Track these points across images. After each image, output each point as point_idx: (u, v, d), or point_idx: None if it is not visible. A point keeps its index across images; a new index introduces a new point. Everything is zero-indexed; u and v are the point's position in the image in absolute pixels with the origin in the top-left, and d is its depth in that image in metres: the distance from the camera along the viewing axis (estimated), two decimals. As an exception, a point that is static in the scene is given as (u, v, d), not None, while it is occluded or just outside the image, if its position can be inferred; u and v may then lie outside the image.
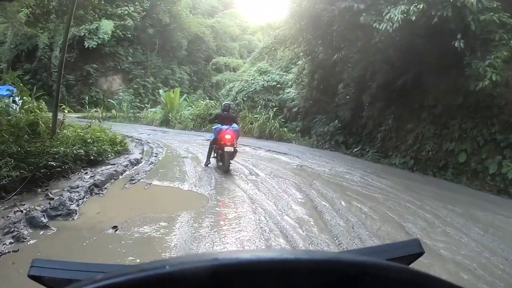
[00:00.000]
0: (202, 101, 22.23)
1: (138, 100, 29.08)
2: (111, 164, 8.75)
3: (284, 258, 0.52)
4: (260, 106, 18.39)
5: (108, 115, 25.11)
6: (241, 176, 8.47)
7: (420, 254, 0.78)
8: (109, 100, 28.26)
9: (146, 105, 26.70)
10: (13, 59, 30.43)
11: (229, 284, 0.50)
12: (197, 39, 36.55)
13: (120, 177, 7.91)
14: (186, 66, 36.77)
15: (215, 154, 9.44)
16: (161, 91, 26.44)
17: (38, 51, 29.43)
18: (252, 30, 40.66)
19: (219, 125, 9.20)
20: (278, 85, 19.04)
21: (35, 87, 29.14)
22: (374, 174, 9.14)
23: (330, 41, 11.99)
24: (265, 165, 10.02)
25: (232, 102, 14.48)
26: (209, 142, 10.06)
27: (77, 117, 17.20)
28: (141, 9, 31.81)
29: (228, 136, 8.67)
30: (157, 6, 32.93)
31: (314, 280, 0.51)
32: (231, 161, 8.94)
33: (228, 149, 8.58)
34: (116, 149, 10.17)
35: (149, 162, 9.76)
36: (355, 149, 12.77)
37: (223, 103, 10.71)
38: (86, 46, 29.09)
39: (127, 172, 8.41)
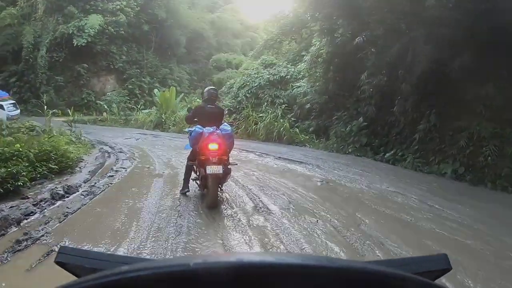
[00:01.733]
0: (198, 100, 19.30)
1: (133, 102, 26.55)
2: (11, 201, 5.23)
3: (308, 264, 0.52)
4: (266, 104, 15.82)
5: (99, 118, 22.87)
6: (239, 219, 4.97)
7: (447, 270, 0.76)
8: (99, 101, 25.94)
9: (138, 106, 24.08)
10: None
11: (251, 285, 0.50)
12: (197, 36, 34.46)
13: (10, 231, 4.39)
14: (186, 65, 34.56)
15: (197, 174, 5.91)
16: (156, 90, 24.17)
17: (23, 50, 27.17)
18: (255, 27, 38.92)
19: (198, 126, 5.73)
20: (288, 77, 16.38)
21: (22, 89, 27.96)
22: (434, 194, 6.57)
23: (355, 14, 9.43)
24: (277, 183, 7.15)
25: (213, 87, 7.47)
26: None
27: (63, 121, 15.46)
28: (135, 3, 29.65)
29: (213, 146, 5.33)
30: (152, 1, 30.81)
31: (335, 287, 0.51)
32: (221, 187, 5.70)
33: (213, 169, 5.23)
34: (41, 171, 6.70)
35: (89, 192, 6.19)
36: (387, 154, 10.18)
37: (205, 89, 6.47)
38: (75, 44, 26.84)
39: (33, 217, 4.86)
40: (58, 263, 0.72)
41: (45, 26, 28.20)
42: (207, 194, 5.49)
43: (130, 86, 29.02)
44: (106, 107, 24.19)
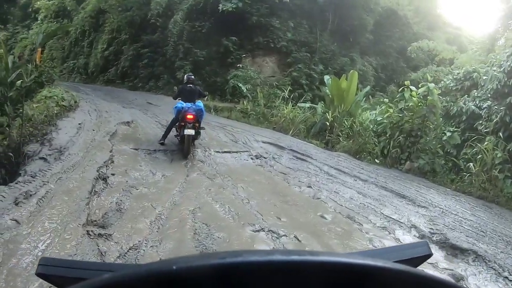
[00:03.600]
0: (389, 105, 12.33)
1: (296, 94, 19.84)
2: None
3: (291, 260, 0.56)
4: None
5: (237, 108, 18.27)
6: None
7: (428, 256, 0.86)
8: (235, 82, 20.87)
9: (297, 100, 17.18)
10: (135, 28, 27.46)
11: (235, 283, 0.54)
12: (388, 19, 28.72)
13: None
14: (372, 57, 28.26)
15: (177, 133, 9.28)
16: (326, 76, 17.77)
17: (149, 14, 25.61)
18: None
19: (180, 102, 9.07)
20: None
21: (155, 62, 24.47)
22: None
23: None
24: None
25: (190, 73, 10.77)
26: None
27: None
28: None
29: (189, 116, 8.55)
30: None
31: (321, 281, 0.56)
32: (193, 142, 9.01)
33: (188, 131, 8.46)
34: None
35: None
36: None
37: (185, 75, 10.14)
38: (220, 10, 22.83)
39: None
40: (39, 275, 0.76)
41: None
42: (183, 148, 8.78)
43: (295, 74, 23.35)
44: (246, 92, 18.29)
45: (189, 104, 8.79)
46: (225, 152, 9.67)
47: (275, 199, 6.66)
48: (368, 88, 17.17)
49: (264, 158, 9.54)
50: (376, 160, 10.74)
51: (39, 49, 19.14)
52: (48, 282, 0.77)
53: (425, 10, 32.14)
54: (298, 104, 16.38)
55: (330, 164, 9.52)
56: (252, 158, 9.49)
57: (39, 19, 37.83)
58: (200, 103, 9.05)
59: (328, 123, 13.46)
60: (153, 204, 5.96)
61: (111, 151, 8.15)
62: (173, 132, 9.53)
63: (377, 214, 6.39)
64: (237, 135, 11.74)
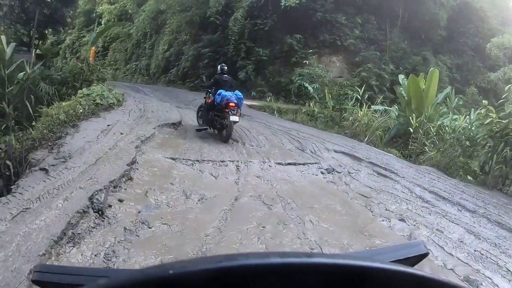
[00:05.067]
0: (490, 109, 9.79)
1: (366, 96, 18.07)
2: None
3: (287, 262, 0.56)
4: None
5: (303, 110, 16.91)
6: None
7: (425, 255, 0.86)
8: (301, 82, 19.41)
9: (366, 101, 15.48)
10: (195, 28, 27.01)
11: (233, 286, 0.54)
12: (461, 13, 26.37)
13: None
14: (445, 56, 25.84)
15: (213, 123, 9.50)
16: (401, 76, 15.98)
17: (208, 12, 24.80)
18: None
19: (222, 90, 9.16)
20: None
21: (216, 62, 23.62)
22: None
23: None
24: None
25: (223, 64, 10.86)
26: None
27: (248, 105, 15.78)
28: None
29: (232, 104, 8.82)
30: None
31: (318, 283, 0.56)
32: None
33: (233, 118, 8.75)
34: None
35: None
36: None
37: (219, 65, 10.24)
38: (283, 6, 21.60)
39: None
40: (35, 282, 0.76)
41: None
42: (224, 134, 9.13)
43: (364, 74, 21.65)
44: (313, 93, 16.74)
45: (230, 93, 9.05)
46: (289, 164, 7.98)
47: (359, 242, 4.71)
48: (448, 89, 15.15)
49: (338, 172, 7.70)
50: (469, 177, 8.69)
51: (93, 48, 18.82)
52: None
53: (499, 3, 29.31)
54: (372, 107, 14.63)
55: (421, 184, 7.37)
56: (322, 173, 7.71)
57: (102, 23, 38.59)
58: (238, 93, 9.35)
59: (410, 129, 11.65)
60: (164, 260, 3.83)
61: (132, 163, 6.22)
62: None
63: (506, 273, 4.32)
64: (304, 142, 10.05)
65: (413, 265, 0.79)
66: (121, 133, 8.00)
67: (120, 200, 4.90)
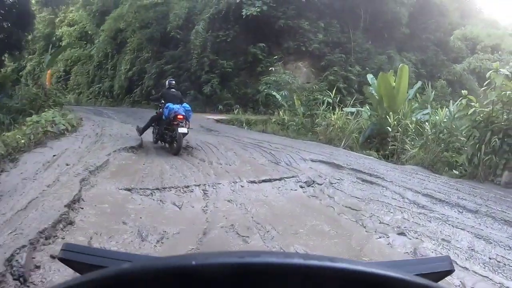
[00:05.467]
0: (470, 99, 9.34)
1: (335, 99, 17.65)
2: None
3: (309, 264, 0.55)
4: None
5: (272, 120, 16.43)
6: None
7: (450, 272, 0.83)
8: (269, 91, 18.90)
9: (337, 104, 14.88)
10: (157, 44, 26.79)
11: (250, 283, 0.55)
12: (423, 9, 27.01)
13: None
14: (409, 53, 26.15)
15: (157, 135, 9.89)
16: (369, 76, 15.83)
17: (168, 27, 24.51)
18: None
19: (170, 104, 9.28)
20: None
21: (180, 78, 23.00)
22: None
23: None
24: None
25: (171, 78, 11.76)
26: None
27: (215, 120, 16.18)
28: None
29: (180, 116, 8.94)
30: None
31: None
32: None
33: (181, 130, 8.78)
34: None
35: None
36: None
37: (167, 81, 10.53)
38: (244, 15, 21.46)
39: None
40: (61, 259, 0.79)
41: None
42: (175, 146, 9.02)
43: (332, 77, 21.61)
44: (282, 100, 16.25)
45: (178, 106, 9.20)
46: (263, 181, 7.03)
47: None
48: (419, 84, 14.86)
49: (319, 184, 6.85)
50: (456, 172, 8.25)
51: (48, 72, 17.79)
52: (69, 267, 0.79)
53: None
54: (344, 109, 14.08)
55: (411, 186, 6.55)
56: (302, 187, 6.85)
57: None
58: (186, 105, 9.54)
59: (387, 128, 11.13)
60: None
61: (74, 202, 5.01)
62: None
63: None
64: (278, 154, 9.14)
65: (436, 281, 0.77)
66: (67, 164, 6.84)
67: (53, 257, 3.55)
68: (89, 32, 34.88)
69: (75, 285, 0.54)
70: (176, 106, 9.11)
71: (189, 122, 9.16)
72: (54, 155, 7.47)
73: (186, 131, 8.85)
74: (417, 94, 15.01)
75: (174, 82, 10.36)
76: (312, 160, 8.42)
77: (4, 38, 23.27)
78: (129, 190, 6.05)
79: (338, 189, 6.52)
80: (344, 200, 5.97)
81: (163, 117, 9.33)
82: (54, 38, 37.55)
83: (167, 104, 9.26)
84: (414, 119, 11.58)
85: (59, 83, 37.78)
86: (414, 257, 4.01)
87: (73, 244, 0.81)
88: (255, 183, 6.91)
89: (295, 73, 22.07)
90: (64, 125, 10.00)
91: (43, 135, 8.85)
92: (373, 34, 25.19)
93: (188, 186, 6.44)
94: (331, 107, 14.44)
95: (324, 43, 23.17)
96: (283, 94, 17.31)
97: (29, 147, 7.87)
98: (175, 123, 8.82)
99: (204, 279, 0.52)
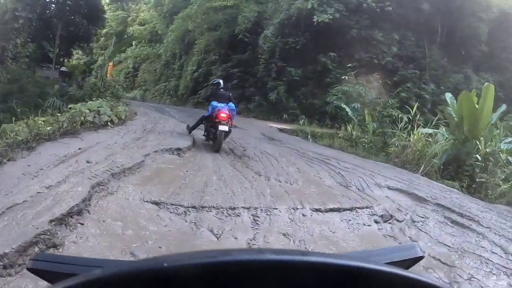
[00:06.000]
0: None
1: (405, 118, 16.49)
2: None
3: (282, 259, 0.56)
4: None
5: (339, 134, 15.44)
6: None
7: (420, 258, 0.85)
8: (338, 103, 17.60)
9: (412, 124, 13.67)
10: (224, 47, 26.76)
11: (225, 282, 0.54)
12: (502, 25, 24.51)
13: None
14: (487, 73, 23.89)
15: (206, 133, 9.96)
16: (448, 94, 14.16)
17: (236, 30, 23.93)
18: None
19: (215, 102, 9.50)
20: None
21: (245, 83, 22.71)
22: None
23: None
24: None
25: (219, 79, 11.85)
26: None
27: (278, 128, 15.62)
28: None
29: (223, 115, 8.97)
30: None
31: (311, 282, 0.56)
32: (224, 140, 9.21)
33: (222, 127, 8.86)
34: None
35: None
36: None
37: (214, 81, 10.98)
38: (315, 22, 20.64)
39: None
40: (30, 270, 0.76)
41: (276, 2, 24.30)
42: (216, 143, 9.12)
43: (404, 94, 20.32)
44: (352, 114, 15.46)
45: (222, 104, 9.32)
46: (331, 210, 5.67)
47: None
48: (504, 107, 13.44)
49: (398, 221, 5.53)
50: None
51: (110, 64, 18.04)
52: (39, 277, 0.76)
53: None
54: (421, 130, 12.91)
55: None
56: (377, 222, 5.55)
57: (133, 44, 38.64)
58: (232, 104, 9.63)
59: (472, 155, 9.95)
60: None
61: (71, 215, 3.93)
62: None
63: None
64: (347, 175, 7.74)
65: (408, 268, 0.79)
66: (88, 162, 5.88)
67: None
68: (159, 32, 35.76)
69: None
70: (220, 105, 9.30)
71: (232, 121, 9.30)
72: (79, 148, 6.76)
73: (227, 129, 8.95)
74: (498, 120, 13.67)
75: (222, 82, 10.51)
76: (389, 188, 7.01)
77: (74, 30, 24.04)
78: (157, 204, 4.98)
79: (422, 231, 5.25)
80: (431, 248, 4.75)
81: (208, 114, 9.64)
82: (126, 36, 38.74)
83: (212, 103, 9.51)
84: (504, 147, 10.43)
85: (127, 79, 39.44)
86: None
87: (42, 253, 1.03)
88: (321, 212, 5.60)
89: (366, 87, 20.87)
90: (109, 116, 9.70)
91: (80, 124, 8.46)
92: (449, 50, 23.41)
93: (234, 208, 5.20)
94: (409, 126, 13.28)
95: (397, 57, 21.95)
96: (356, 106, 16.22)
97: (55, 136, 7.31)
98: (217, 120, 8.96)
99: (178, 280, 0.52)
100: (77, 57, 38.31)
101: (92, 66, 40.62)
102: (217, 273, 0.53)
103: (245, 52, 24.24)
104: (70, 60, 32.54)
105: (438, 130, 13.07)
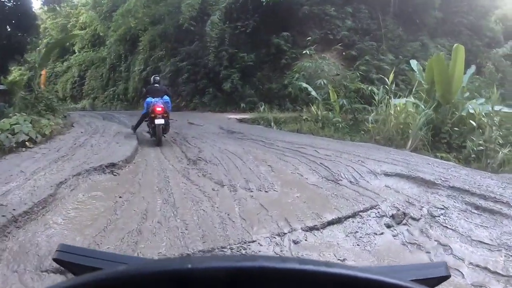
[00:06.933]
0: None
1: (368, 91, 15.24)
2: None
3: (307, 269, 0.55)
4: None
5: (303, 117, 14.26)
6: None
7: (445, 278, 0.81)
8: (299, 83, 16.01)
9: (378, 96, 12.35)
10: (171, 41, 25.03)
11: (247, 287, 0.54)
12: None
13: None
14: (442, 39, 23.86)
15: (149, 129, 9.99)
16: (413, 62, 13.46)
17: (180, 19, 22.25)
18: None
19: (149, 98, 9.65)
20: None
21: (197, 76, 21.11)
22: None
23: None
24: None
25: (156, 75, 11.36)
26: None
27: (237, 119, 14.72)
28: None
29: (159, 108, 9.11)
30: None
31: None
32: (164, 135, 9.54)
33: (158, 121, 9.03)
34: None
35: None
36: None
37: (151, 78, 10.74)
38: (264, 2, 19.41)
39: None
40: (56, 260, 0.77)
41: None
42: (156, 138, 9.27)
43: (364, 67, 19.20)
44: (316, 95, 14.15)
45: (157, 99, 9.47)
46: (329, 224, 4.19)
47: None
48: (473, 68, 12.55)
49: (414, 220, 4.24)
50: None
51: (43, 72, 15.99)
52: (64, 268, 0.77)
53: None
54: (393, 100, 11.61)
55: None
56: (389, 226, 4.21)
57: (76, 50, 36.29)
58: (166, 98, 9.82)
59: (446, 122, 8.84)
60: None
61: None
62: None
63: None
64: (333, 165, 6.24)
65: (433, 287, 0.77)
66: None
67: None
68: (101, 34, 33.40)
69: (67, 287, 0.53)
70: (155, 99, 9.46)
71: (168, 113, 9.45)
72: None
73: (163, 122, 9.14)
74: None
75: (158, 78, 10.61)
76: (386, 174, 5.66)
77: (6, 43, 21.98)
78: (60, 273, 3.08)
79: (448, 228, 3.96)
80: (467, 251, 3.47)
81: (144, 112, 9.93)
82: (68, 44, 36.29)
83: (146, 99, 9.76)
84: (471, 110, 9.40)
85: (74, 89, 36.91)
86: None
87: (68, 245, 0.77)
88: (316, 229, 4.06)
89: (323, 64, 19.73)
90: (27, 134, 7.89)
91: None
92: (403, 19, 23.01)
93: (184, 256, 3.38)
94: (385, 98, 11.94)
95: (353, 30, 21.03)
96: (321, 83, 15.01)
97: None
98: (153, 115, 9.17)
99: (200, 283, 0.52)
100: (21, 73, 35.54)
101: (38, 80, 38.11)
102: (240, 277, 0.52)
103: (193, 43, 22.67)
104: (6, 76, 29.86)
105: (411, 100, 11.93)
